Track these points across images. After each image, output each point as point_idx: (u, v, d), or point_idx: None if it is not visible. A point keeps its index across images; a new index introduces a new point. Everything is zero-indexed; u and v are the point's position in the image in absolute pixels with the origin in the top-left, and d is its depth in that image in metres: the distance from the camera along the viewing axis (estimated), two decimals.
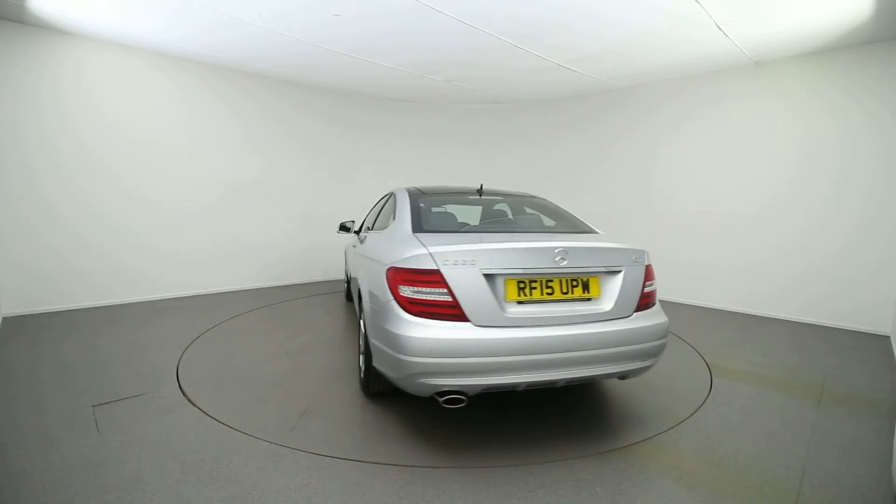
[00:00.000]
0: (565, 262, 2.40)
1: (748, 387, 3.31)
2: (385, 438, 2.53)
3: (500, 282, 2.33)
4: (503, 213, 3.61)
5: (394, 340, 2.27)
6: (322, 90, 6.93)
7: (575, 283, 2.45)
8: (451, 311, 2.25)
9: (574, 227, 3.15)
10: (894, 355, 4.02)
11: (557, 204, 3.56)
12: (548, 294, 2.40)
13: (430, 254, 2.32)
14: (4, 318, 4.63)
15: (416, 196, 3.25)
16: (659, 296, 5.75)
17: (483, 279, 2.29)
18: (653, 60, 5.20)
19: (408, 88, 6.70)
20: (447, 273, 2.28)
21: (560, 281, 2.43)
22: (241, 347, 3.98)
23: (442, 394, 2.27)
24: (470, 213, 3.43)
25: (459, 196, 3.59)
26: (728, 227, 5.59)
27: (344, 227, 4.91)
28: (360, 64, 5.52)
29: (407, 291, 2.31)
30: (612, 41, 4.63)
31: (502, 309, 2.30)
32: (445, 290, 2.26)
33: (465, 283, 2.28)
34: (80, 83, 4.98)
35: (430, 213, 3.10)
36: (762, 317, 5.31)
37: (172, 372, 3.39)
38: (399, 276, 2.35)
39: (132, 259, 5.44)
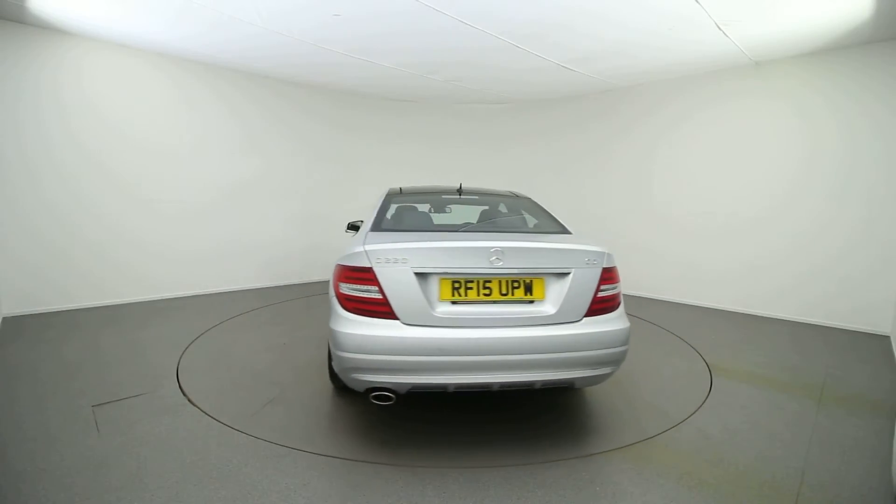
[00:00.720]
0: (501, 263, 2.32)
1: (748, 387, 3.31)
2: (360, 432, 2.53)
3: (433, 281, 2.32)
4: (472, 213, 3.52)
5: (332, 336, 2.32)
6: (322, 90, 6.93)
7: (516, 284, 2.37)
8: (381, 309, 2.28)
9: (546, 227, 3.04)
10: (894, 355, 4.02)
11: (539, 203, 3.44)
12: (485, 295, 2.35)
13: (365, 252, 2.34)
14: (4, 318, 4.63)
15: (391, 196, 3.29)
16: (658, 296, 5.75)
17: (414, 278, 2.29)
18: (653, 60, 5.20)
19: (408, 88, 6.70)
20: (379, 271, 2.30)
21: (499, 282, 2.36)
22: (240, 347, 3.98)
23: (372, 389, 2.31)
24: (444, 213, 3.45)
25: (434, 196, 3.56)
26: (728, 227, 5.59)
27: (353, 227, 4.91)
28: (360, 64, 5.52)
29: (345, 288, 2.35)
30: (612, 41, 4.63)
31: (431, 308, 2.28)
32: (376, 288, 2.28)
33: (395, 281, 2.28)
34: (80, 83, 4.98)
35: (396, 212, 3.13)
36: (762, 317, 5.31)
37: (172, 372, 3.39)
38: (341, 273, 2.40)
39: (132, 259, 5.44)
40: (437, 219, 3.30)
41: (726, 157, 5.56)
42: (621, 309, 2.57)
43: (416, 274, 2.29)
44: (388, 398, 2.33)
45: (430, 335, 2.23)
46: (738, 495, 2.08)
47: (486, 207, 3.41)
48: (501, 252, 2.33)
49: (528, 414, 2.86)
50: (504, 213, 3.37)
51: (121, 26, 4.63)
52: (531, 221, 3.21)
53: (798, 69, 5.01)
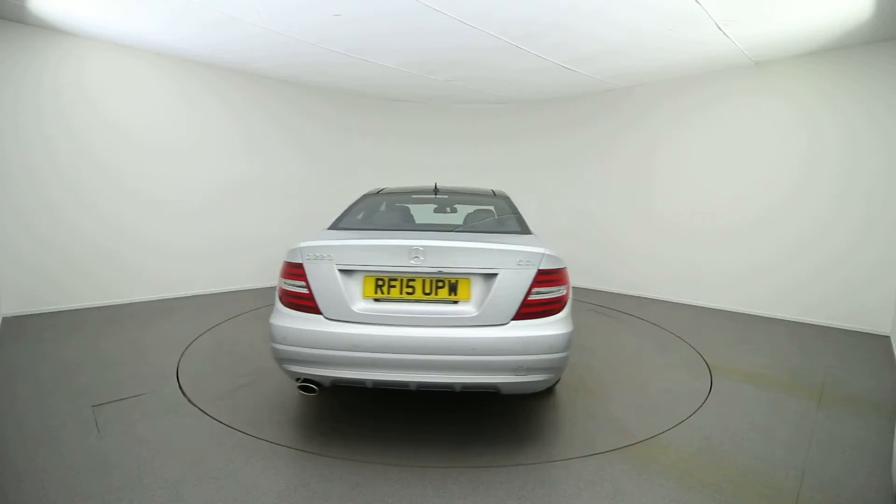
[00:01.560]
0: (421, 261, 2.32)
1: (748, 387, 3.31)
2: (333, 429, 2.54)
3: (358, 278, 2.38)
4: (438, 211, 3.56)
5: (270, 327, 2.43)
6: (322, 90, 6.93)
7: (441, 284, 2.35)
8: (308, 304, 2.38)
9: (508, 227, 2.99)
10: (894, 355, 4.02)
11: (514, 203, 3.38)
12: (408, 294, 2.36)
13: (299, 249, 2.45)
14: (4, 318, 4.63)
15: (367, 196, 3.41)
16: (658, 296, 5.72)
17: (338, 275, 2.36)
18: (653, 60, 5.20)
19: (408, 88, 6.70)
20: (308, 267, 2.40)
21: (423, 281, 2.35)
22: (241, 347, 3.98)
23: (300, 379, 2.42)
24: (415, 212, 3.47)
25: (405, 196, 3.60)
26: (729, 227, 5.59)
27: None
28: (360, 64, 5.52)
29: (282, 283, 2.49)
30: (612, 41, 4.63)
31: (352, 304, 2.33)
32: (304, 284, 2.39)
33: (321, 277, 2.37)
34: (80, 83, 4.98)
35: (360, 211, 3.21)
36: (762, 317, 5.31)
37: (172, 372, 3.39)
38: (281, 269, 2.54)
39: (133, 258, 5.44)
40: (413, 218, 3.35)
41: (727, 157, 5.56)
42: (563, 314, 2.42)
43: (341, 271, 2.37)
44: (312, 389, 2.44)
45: (347, 331, 2.29)
46: (738, 495, 2.08)
47: (480, 207, 3.45)
48: (422, 251, 2.33)
49: (528, 414, 2.86)
50: (491, 212, 3.38)
51: (121, 26, 4.63)
52: (500, 220, 3.18)
53: (798, 69, 5.01)
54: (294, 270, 2.44)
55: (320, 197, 7.07)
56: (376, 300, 2.37)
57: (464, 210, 3.41)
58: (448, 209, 3.53)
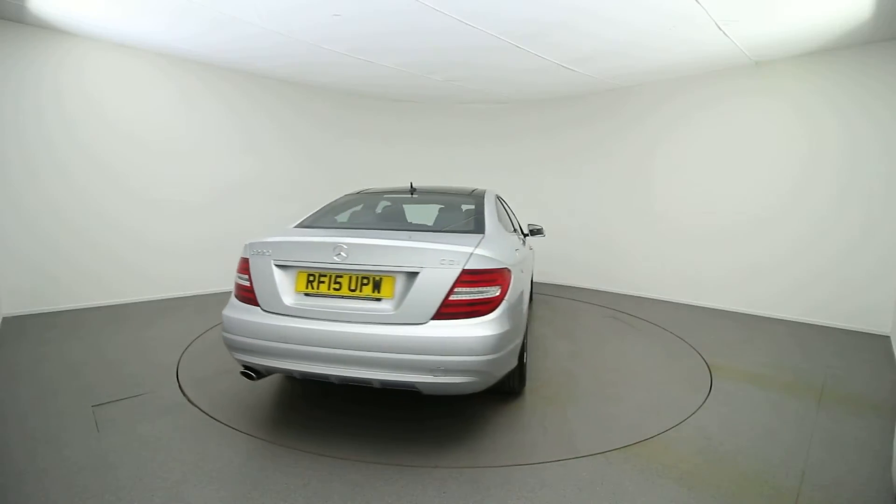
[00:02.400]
0: (344, 258, 2.39)
1: (748, 387, 3.31)
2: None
3: (292, 273, 2.49)
4: (401, 211, 3.58)
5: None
6: (322, 90, 6.93)
7: (366, 281, 2.39)
8: (250, 296, 2.55)
9: (465, 226, 2.99)
10: (895, 355, 4.02)
11: (486, 203, 3.32)
12: (335, 289, 2.42)
13: (249, 244, 2.63)
14: (4, 318, 4.64)
15: (348, 196, 3.57)
16: (658, 296, 5.69)
17: (274, 269, 2.50)
18: (653, 60, 5.20)
19: (408, 88, 6.70)
20: (251, 262, 2.58)
21: (350, 277, 2.41)
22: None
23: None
24: (386, 211, 3.55)
25: (379, 196, 3.69)
26: (729, 227, 5.58)
27: None
28: (360, 64, 5.52)
29: (236, 277, 2.69)
30: (612, 41, 4.63)
31: (283, 298, 2.45)
32: (247, 277, 2.58)
33: (260, 271, 2.53)
34: (80, 83, 4.98)
35: (331, 211, 3.33)
36: (762, 317, 5.31)
37: (172, 372, 3.39)
38: (238, 264, 2.72)
39: (133, 258, 5.44)
40: (386, 217, 3.46)
41: (727, 156, 5.56)
42: (493, 315, 2.33)
43: (277, 266, 2.51)
44: (251, 376, 2.58)
45: (278, 323, 2.39)
46: (737, 495, 2.08)
47: (439, 205, 3.52)
48: (346, 248, 2.40)
49: (528, 414, 2.86)
50: (447, 211, 3.43)
51: (121, 26, 4.63)
52: (458, 219, 3.19)
53: (798, 69, 5.01)
54: (242, 265, 2.64)
55: (320, 196, 7.04)
56: (307, 295, 2.46)
57: (434, 209, 3.49)
58: (429, 209, 3.58)
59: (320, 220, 3.19)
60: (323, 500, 2.01)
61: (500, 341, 2.30)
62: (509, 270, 2.49)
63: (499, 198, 4.03)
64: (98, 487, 2.05)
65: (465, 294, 2.31)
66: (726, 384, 3.35)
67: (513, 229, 3.97)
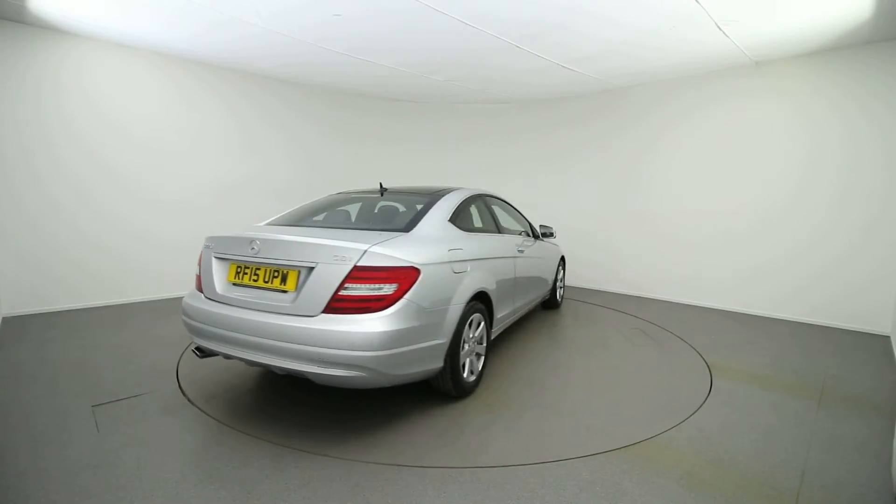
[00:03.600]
0: (256, 252, 2.63)
1: (748, 387, 3.31)
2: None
3: (227, 265, 2.78)
4: (351, 211, 3.68)
5: None
6: (321, 90, 6.93)
7: (276, 273, 2.58)
8: (198, 284, 2.90)
9: (391, 224, 3.08)
10: (895, 355, 4.02)
11: (443, 203, 3.39)
12: (253, 280, 2.65)
13: (204, 239, 2.95)
14: (4, 318, 4.63)
15: (327, 196, 3.89)
16: (658, 296, 5.67)
17: (213, 261, 2.81)
18: (653, 60, 5.20)
19: (407, 88, 6.70)
20: (203, 254, 2.92)
21: (264, 270, 2.63)
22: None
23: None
24: (354, 211, 3.67)
25: (352, 196, 3.87)
26: (729, 227, 5.59)
27: None
28: (360, 64, 5.52)
29: (196, 268, 2.99)
30: (612, 41, 4.63)
31: (217, 287, 2.74)
32: (199, 267, 2.91)
33: (206, 262, 2.85)
34: (81, 83, 4.99)
35: (301, 211, 3.58)
36: (762, 317, 5.31)
37: (172, 372, 3.39)
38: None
39: (133, 258, 5.45)
40: (350, 215, 3.58)
41: (727, 157, 5.56)
42: (385, 313, 2.38)
43: (216, 258, 2.81)
44: (198, 354, 2.84)
45: (209, 308, 2.68)
46: (738, 495, 2.08)
47: (385, 205, 3.57)
48: (259, 243, 2.64)
49: (527, 414, 2.86)
50: (389, 210, 3.49)
51: (121, 26, 4.63)
52: (393, 218, 3.29)
53: (798, 69, 5.01)
54: (199, 257, 2.96)
55: (319, 196, 7.06)
56: (234, 284, 2.72)
57: (389, 208, 3.55)
58: (384, 205, 3.60)
59: (285, 218, 3.45)
60: (323, 500, 2.01)
61: (391, 339, 2.35)
62: (416, 270, 2.52)
63: (487, 197, 4.02)
64: (98, 487, 2.05)
65: (357, 290, 2.39)
66: (726, 384, 3.35)
67: (498, 229, 3.90)
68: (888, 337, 4.54)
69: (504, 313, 3.69)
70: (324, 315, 2.38)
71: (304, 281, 2.46)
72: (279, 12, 4.09)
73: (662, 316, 5.30)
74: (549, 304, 5.51)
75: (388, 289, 2.41)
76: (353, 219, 3.51)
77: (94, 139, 5.12)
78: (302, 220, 3.38)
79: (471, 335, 3.03)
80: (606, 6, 3.83)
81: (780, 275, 5.24)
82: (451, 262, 2.83)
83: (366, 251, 2.44)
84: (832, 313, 4.94)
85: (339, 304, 2.38)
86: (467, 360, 3.02)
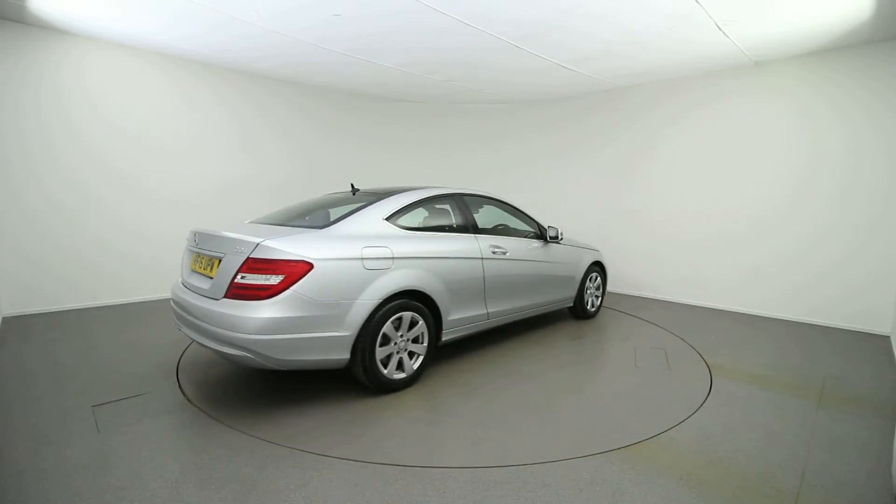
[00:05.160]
0: (197, 244, 3.08)
1: (748, 387, 3.31)
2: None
3: (191, 255, 3.19)
4: (316, 210, 3.76)
5: None
6: (321, 90, 6.93)
7: (210, 262, 2.92)
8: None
9: (320, 222, 3.21)
10: (894, 355, 4.02)
11: (385, 203, 3.48)
12: (201, 268, 3.01)
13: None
14: (5, 318, 4.63)
15: (312, 198, 4.16)
16: (658, 296, 5.69)
17: (186, 252, 3.28)
18: (653, 61, 5.20)
19: (407, 88, 6.70)
20: (184, 247, 3.36)
21: (204, 259, 3.00)
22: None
23: None
24: (305, 210, 3.77)
25: (329, 197, 4.06)
26: (730, 227, 5.58)
27: None
28: (360, 64, 5.52)
29: None
30: (612, 41, 4.63)
31: (182, 273, 3.23)
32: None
33: (183, 253, 3.33)
34: (81, 83, 4.99)
35: (281, 210, 3.84)
36: (762, 317, 5.31)
37: (172, 372, 3.39)
38: None
39: (133, 258, 5.45)
40: (295, 214, 3.69)
41: (728, 157, 5.56)
42: (270, 301, 2.59)
43: (187, 249, 3.27)
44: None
45: (178, 293, 3.10)
46: (737, 495, 2.08)
47: (332, 205, 3.69)
48: (198, 237, 3.10)
49: (527, 414, 2.86)
50: (327, 211, 3.60)
51: (121, 26, 4.63)
52: (324, 217, 3.42)
53: (798, 69, 5.01)
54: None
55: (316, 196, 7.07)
56: (192, 271, 3.11)
57: (343, 209, 3.61)
58: (322, 209, 3.73)
59: (262, 217, 3.76)
60: (323, 500, 2.01)
61: (272, 325, 2.57)
62: (307, 264, 2.68)
63: (469, 197, 3.96)
64: (98, 487, 2.05)
65: (249, 279, 2.65)
66: (726, 384, 3.35)
67: (474, 229, 3.81)
68: (888, 337, 4.54)
69: (464, 316, 3.56)
70: (224, 299, 2.70)
71: (218, 269, 2.80)
72: (279, 12, 4.09)
73: (662, 316, 5.30)
74: (577, 313, 5.10)
75: (274, 279, 2.62)
76: (307, 218, 3.59)
77: (94, 139, 5.12)
78: (270, 218, 3.65)
79: (400, 334, 3.08)
80: (606, 6, 3.83)
81: (780, 275, 5.24)
82: (362, 258, 2.91)
83: (258, 245, 2.68)
84: (832, 313, 4.94)
85: (236, 291, 2.67)
86: (397, 358, 3.09)
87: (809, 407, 3.00)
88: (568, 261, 4.75)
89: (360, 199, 3.56)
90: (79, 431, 2.52)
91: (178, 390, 3.09)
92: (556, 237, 4.55)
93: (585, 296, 5.07)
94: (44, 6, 4.17)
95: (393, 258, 3.05)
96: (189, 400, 2.95)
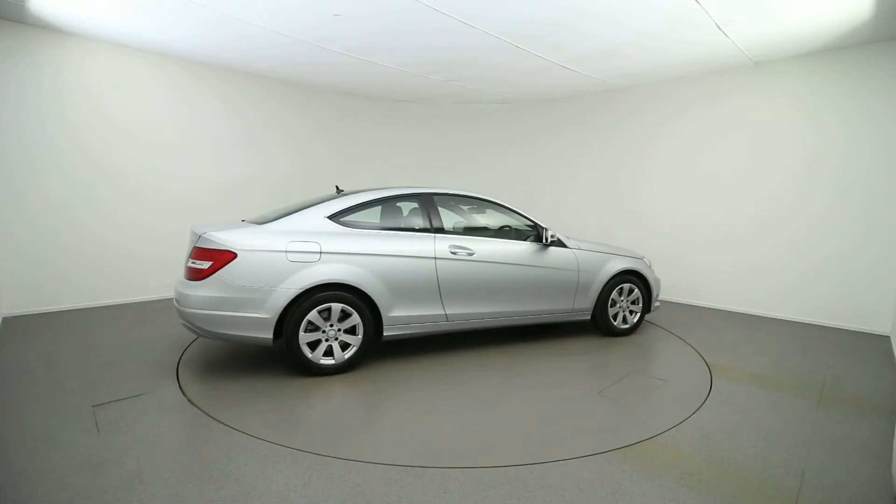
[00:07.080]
0: (190, 239, 3.40)
1: (748, 386, 3.31)
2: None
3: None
4: (292, 209, 3.95)
5: None
6: (321, 90, 6.93)
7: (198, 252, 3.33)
8: None
9: (270, 218, 3.59)
10: (894, 355, 4.02)
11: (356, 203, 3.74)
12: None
13: None
14: (5, 318, 4.63)
15: (306, 199, 4.25)
16: (659, 295, 5.67)
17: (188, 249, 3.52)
18: (653, 61, 5.20)
19: (407, 88, 6.70)
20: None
21: (198, 249, 3.30)
22: (241, 347, 3.98)
23: None
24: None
25: (315, 197, 4.14)
26: (730, 227, 5.59)
27: None
28: (360, 64, 5.52)
29: None
30: (611, 42, 4.63)
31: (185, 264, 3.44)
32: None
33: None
34: (81, 83, 4.99)
35: (276, 210, 3.91)
36: (762, 317, 5.31)
37: (172, 372, 3.39)
38: None
39: (133, 258, 5.45)
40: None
41: (728, 158, 5.56)
42: (200, 283, 3.11)
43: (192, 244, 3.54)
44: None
45: (175, 286, 3.41)
46: (738, 495, 2.08)
47: (292, 204, 3.96)
48: (194, 234, 3.32)
49: (527, 414, 2.86)
50: (283, 209, 3.85)
51: (121, 26, 4.63)
52: (278, 214, 3.71)
53: (799, 69, 5.01)
54: None
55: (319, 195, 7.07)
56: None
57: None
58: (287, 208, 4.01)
59: (256, 216, 3.87)
60: (323, 500, 2.01)
61: (200, 302, 3.09)
62: (232, 253, 3.10)
63: (443, 196, 3.95)
64: (98, 487, 2.05)
65: (195, 264, 3.17)
66: (726, 384, 3.35)
67: (436, 230, 3.74)
68: (888, 337, 4.54)
69: (413, 314, 3.55)
70: (184, 280, 3.26)
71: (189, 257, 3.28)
72: (279, 12, 4.09)
73: (662, 315, 5.30)
74: (603, 328, 4.44)
75: (205, 265, 3.12)
76: (271, 216, 3.84)
77: (95, 139, 5.12)
78: (259, 217, 3.82)
79: (330, 323, 3.31)
80: (606, 7, 3.83)
81: (781, 275, 5.24)
82: (286, 251, 3.21)
83: (200, 236, 3.20)
84: (832, 313, 4.94)
85: (189, 274, 3.22)
86: (325, 345, 3.33)
87: (809, 407, 3.00)
88: (577, 268, 4.23)
89: (330, 199, 3.77)
90: (79, 431, 2.52)
91: (178, 390, 3.09)
92: (558, 240, 4.19)
93: (612, 309, 4.43)
94: (44, 6, 4.17)
95: (321, 252, 3.29)
96: (189, 400, 2.95)
